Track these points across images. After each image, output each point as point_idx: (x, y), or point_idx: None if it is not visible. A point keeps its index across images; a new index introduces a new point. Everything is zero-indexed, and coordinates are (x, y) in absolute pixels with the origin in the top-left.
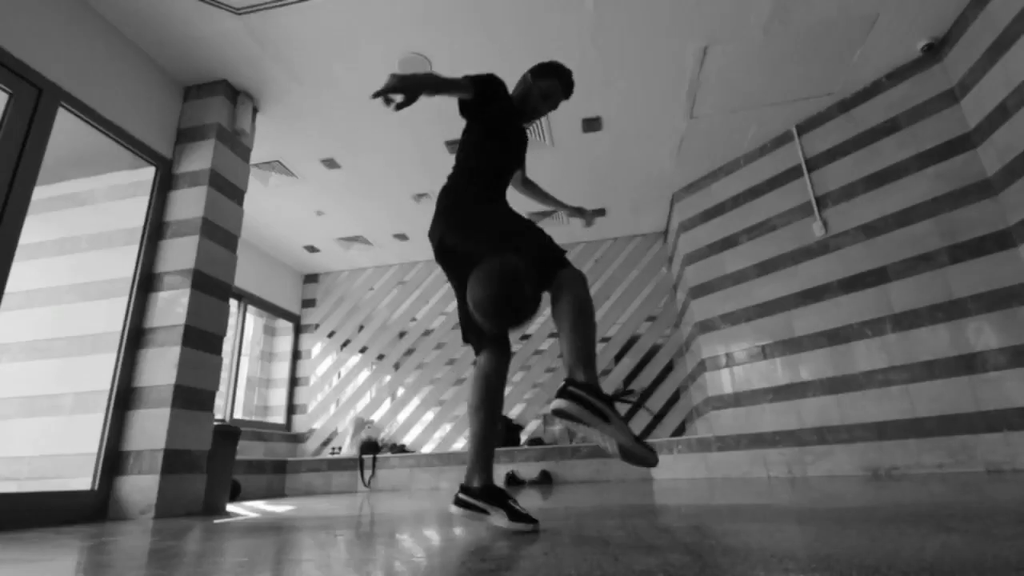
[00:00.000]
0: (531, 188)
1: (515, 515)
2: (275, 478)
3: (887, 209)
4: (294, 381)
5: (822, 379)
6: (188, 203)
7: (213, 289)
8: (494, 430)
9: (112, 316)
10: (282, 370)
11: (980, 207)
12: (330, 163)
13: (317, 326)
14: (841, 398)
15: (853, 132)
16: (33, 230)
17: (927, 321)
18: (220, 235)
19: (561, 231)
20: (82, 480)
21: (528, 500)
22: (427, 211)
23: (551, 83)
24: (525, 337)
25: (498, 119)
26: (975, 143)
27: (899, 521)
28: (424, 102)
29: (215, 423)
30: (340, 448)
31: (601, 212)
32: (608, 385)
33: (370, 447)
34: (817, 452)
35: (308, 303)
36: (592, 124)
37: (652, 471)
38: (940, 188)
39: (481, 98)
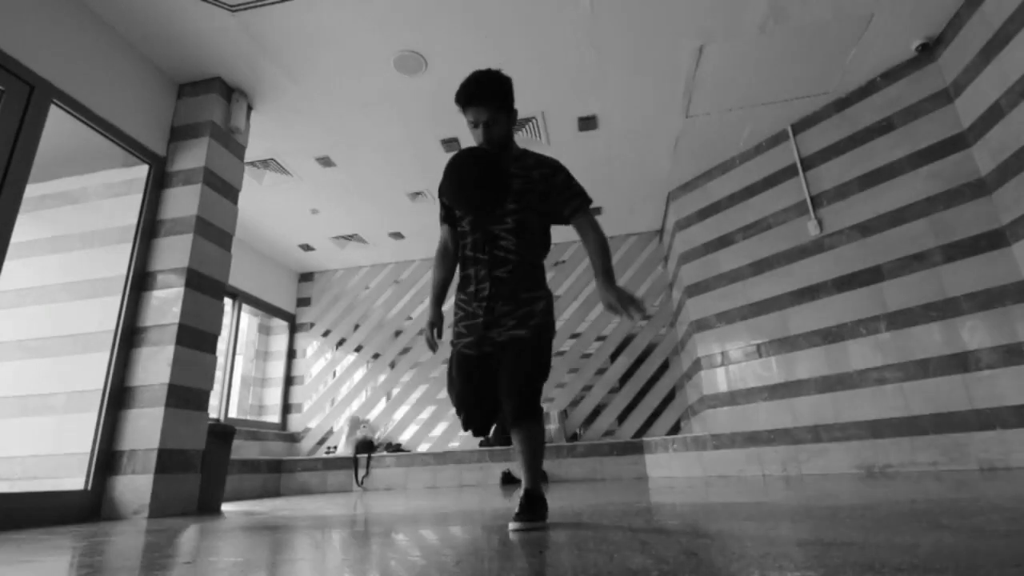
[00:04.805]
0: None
1: None
2: (270, 477)
3: (881, 208)
4: (289, 380)
5: (817, 377)
6: (182, 201)
7: (207, 288)
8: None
9: (105, 315)
10: (277, 369)
11: (974, 206)
12: (325, 161)
13: (312, 325)
14: (836, 396)
15: (848, 131)
16: (25, 228)
17: (921, 320)
18: (214, 233)
19: (559, 231)
20: (75, 480)
21: None
22: (422, 209)
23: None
24: None
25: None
26: (969, 143)
27: (893, 519)
28: (422, 99)
29: (209, 422)
30: (335, 447)
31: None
32: (605, 385)
33: (365, 446)
34: (812, 450)
35: (303, 302)
36: (588, 123)
37: (648, 469)
38: (934, 187)
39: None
